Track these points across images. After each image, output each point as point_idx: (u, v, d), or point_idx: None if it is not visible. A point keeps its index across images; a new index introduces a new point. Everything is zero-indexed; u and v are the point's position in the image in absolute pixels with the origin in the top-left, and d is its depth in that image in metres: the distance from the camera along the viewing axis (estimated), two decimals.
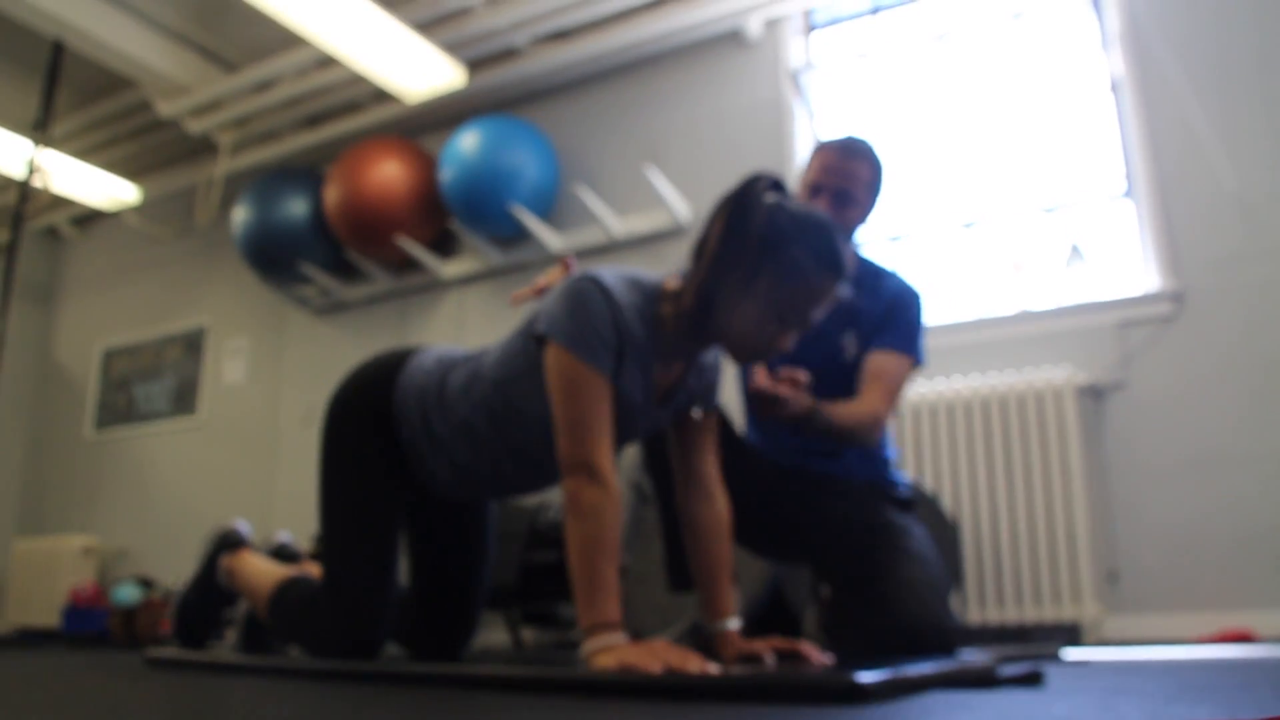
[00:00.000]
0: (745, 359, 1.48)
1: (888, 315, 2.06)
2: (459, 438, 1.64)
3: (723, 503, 1.63)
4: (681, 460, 1.64)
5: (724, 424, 1.96)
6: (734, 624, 1.56)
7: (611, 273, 1.48)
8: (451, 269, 4.57)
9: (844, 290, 1.46)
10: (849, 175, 2.04)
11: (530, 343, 1.52)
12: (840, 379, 2.03)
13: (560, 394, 1.41)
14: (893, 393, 2.01)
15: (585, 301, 1.42)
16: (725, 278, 1.40)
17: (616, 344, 1.42)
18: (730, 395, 2.37)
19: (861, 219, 2.10)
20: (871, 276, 2.12)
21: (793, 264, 1.38)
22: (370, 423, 1.73)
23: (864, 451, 2.09)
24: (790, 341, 1.46)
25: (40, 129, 4.28)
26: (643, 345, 1.47)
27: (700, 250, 1.44)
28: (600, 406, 1.39)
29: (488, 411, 1.60)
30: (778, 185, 1.45)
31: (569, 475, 1.38)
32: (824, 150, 2.08)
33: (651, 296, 1.49)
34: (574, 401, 1.39)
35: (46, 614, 5.05)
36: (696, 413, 1.61)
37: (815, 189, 2.06)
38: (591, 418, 1.38)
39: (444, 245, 4.60)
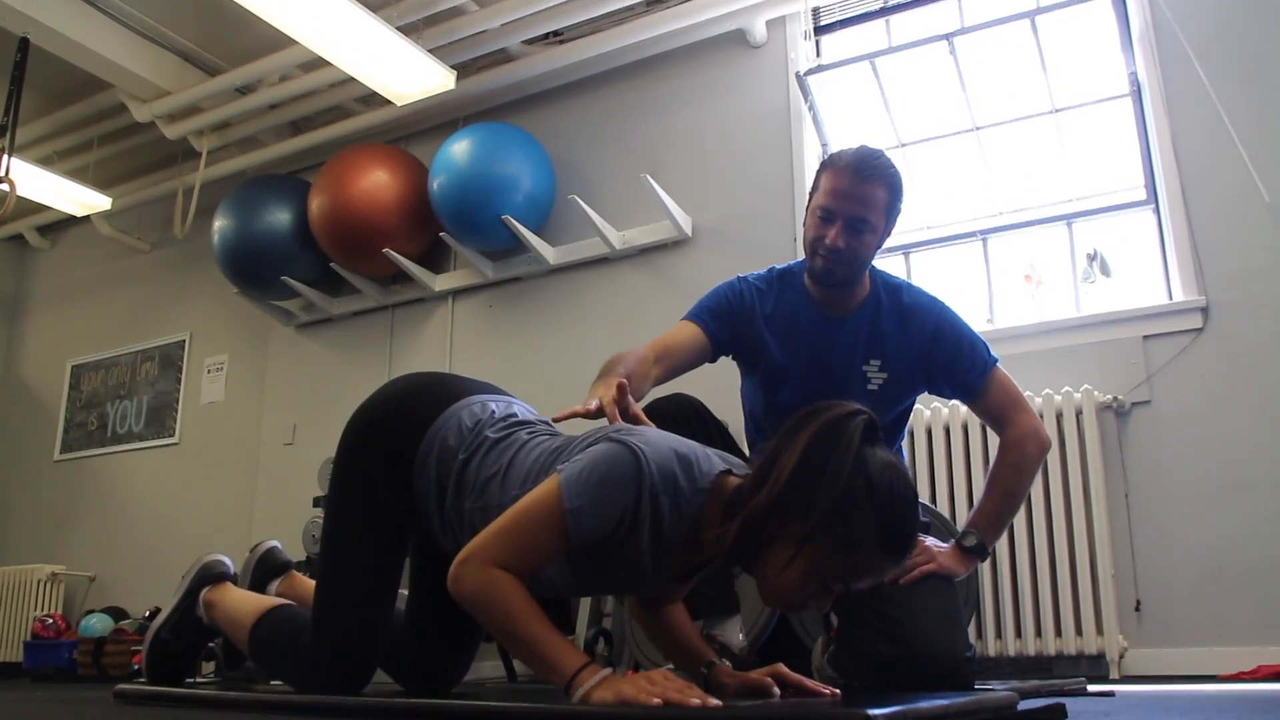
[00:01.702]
0: (772, 604, 1.41)
1: (954, 355, 2.06)
2: (464, 523, 1.61)
3: (676, 610, 1.65)
4: (650, 602, 1.64)
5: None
6: (717, 660, 1.57)
7: (663, 451, 1.39)
8: (442, 282, 4.57)
9: (903, 563, 1.41)
10: (863, 201, 1.98)
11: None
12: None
13: (523, 512, 1.37)
14: (1022, 401, 2.05)
15: (613, 478, 1.35)
16: (780, 525, 1.30)
17: (629, 528, 1.36)
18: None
19: (879, 244, 2.07)
20: (892, 297, 2.11)
21: (855, 540, 1.28)
22: (388, 456, 1.71)
23: None
24: (826, 605, 1.37)
25: (4, 132, 4.29)
26: (669, 537, 1.40)
27: (765, 474, 1.33)
28: (541, 553, 1.36)
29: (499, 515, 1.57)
30: (871, 428, 1.33)
31: (463, 565, 1.33)
32: (834, 170, 2.02)
33: (700, 489, 1.40)
34: (526, 527, 1.36)
35: (8, 648, 5.03)
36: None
37: (827, 215, 2.01)
38: (526, 549, 1.35)
39: (434, 258, 4.60)
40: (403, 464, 1.69)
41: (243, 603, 1.97)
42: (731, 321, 2.16)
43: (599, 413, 1.62)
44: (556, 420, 1.68)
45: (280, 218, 4.56)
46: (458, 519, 1.63)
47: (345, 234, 4.36)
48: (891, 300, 2.10)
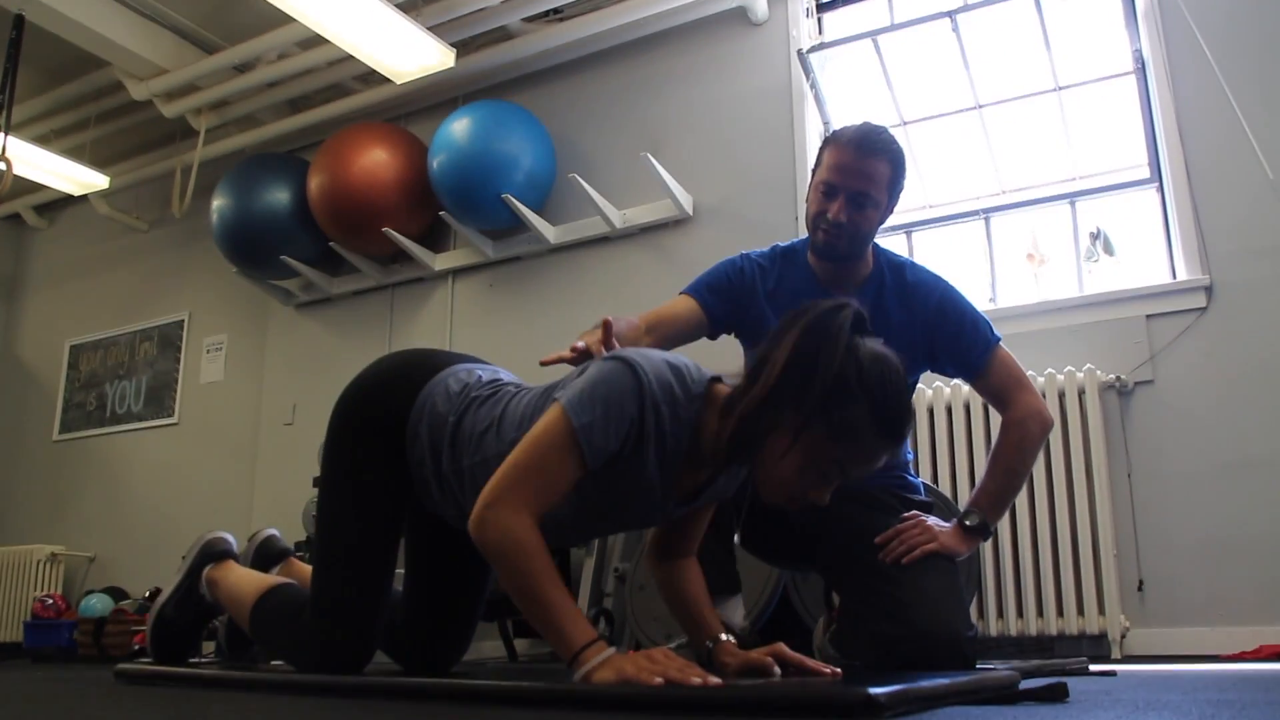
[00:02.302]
0: (772, 501, 1.42)
1: (956, 333, 2.05)
2: (464, 484, 1.62)
3: (691, 560, 1.67)
4: (668, 534, 1.65)
5: None
6: (726, 636, 1.57)
7: (655, 362, 1.42)
8: (442, 262, 4.57)
9: (899, 451, 1.42)
10: (866, 175, 1.99)
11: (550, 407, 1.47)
12: None
13: (532, 441, 1.37)
14: (1024, 380, 2.05)
15: (613, 390, 1.38)
16: (776, 415, 1.33)
17: (633, 443, 1.39)
18: None
19: (882, 219, 2.07)
20: (895, 275, 2.11)
21: (850, 425, 1.31)
22: (380, 433, 1.72)
23: (886, 467, 2.09)
24: (826, 496, 1.40)
25: (0, 110, 4.27)
26: (672, 449, 1.43)
27: (758, 372, 1.37)
28: (559, 483, 1.36)
29: (498, 465, 1.56)
30: (860, 320, 1.37)
31: (488, 509, 1.34)
32: (837, 145, 2.02)
33: (695, 395, 1.43)
34: (538, 456, 1.36)
35: (9, 628, 5.04)
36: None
37: (829, 190, 2.01)
38: (544, 481, 1.35)
39: (434, 237, 4.60)
40: (393, 438, 1.70)
41: (245, 581, 1.98)
42: (732, 297, 2.16)
43: (585, 354, 1.64)
44: (544, 364, 1.72)
45: (279, 197, 4.55)
46: (457, 480, 1.63)
47: (345, 213, 4.35)
48: (895, 278, 2.10)
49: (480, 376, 1.74)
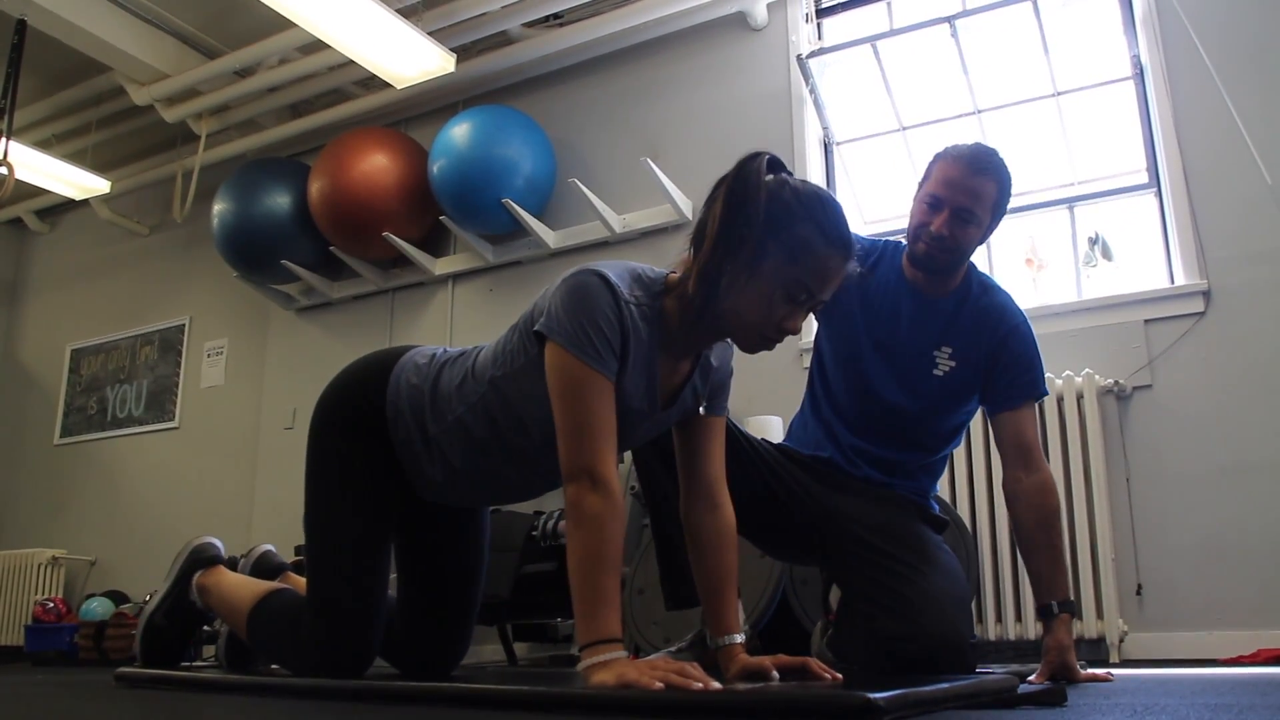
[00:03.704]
0: (754, 345, 1.49)
1: (1011, 364, 2.04)
2: (454, 439, 1.64)
3: (729, 511, 1.63)
4: (687, 466, 1.63)
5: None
6: (739, 638, 1.56)
7: (613, 266, 1.48)
8: (442, 266, 4.57)
9: (853, 267, 1.48)
10: (973, 193, 2.00)
11: (528, 339, 1.52)
12: (926, 396, 2.06)
13: (561, 397, 1.40)
14: (1040, 447, 2.04)
15: (588, 297, 1.42)
16: (729, 261, 1.41)
17: (620, 342, 1.42)
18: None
19: (981, 239, 2.08)
20: (980, 293, 2.11)
21: (800, 242, 1.40)
22: (360, 426, 1.72)
23: (914, 482, 2.10)
24: (799, 323, 1.46)
25: (2, 115, 4.27)
26: (647, 343, 1.47)
27: (700, 235, 1.45)
28: (603, 410, 1.39)
29: (484, 411, 1.60)
30: (776, 163, 1.47)
31: (571, 482, 1.37)
32: (948, 161, 2.04)
33: (655, 290, 1.49)
34: (576, 405, 1.39)
35: (10, 631, 5.03)
36: (703, 408, 1.61)
37: (935, 203, 2.02)
38: (594, 421, 1.38)
39: (435, 241, 4.60)
40: (375, 428, 1.70)
41: (239, 587, 1.97)
42: None
43: None
44: None
45: (280, 201, 4.56)
46: (447, 439, 1.65)
47: (345, 217, 4.36)
48: (979, 296, 2.11)
49: (446, 350, 1.78)
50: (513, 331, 1.59)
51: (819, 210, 1.42)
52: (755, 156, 1.46)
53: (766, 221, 1.40)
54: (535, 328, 1.46)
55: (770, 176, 1.45)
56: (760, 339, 1.47)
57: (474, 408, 1.60)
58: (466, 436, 1.63)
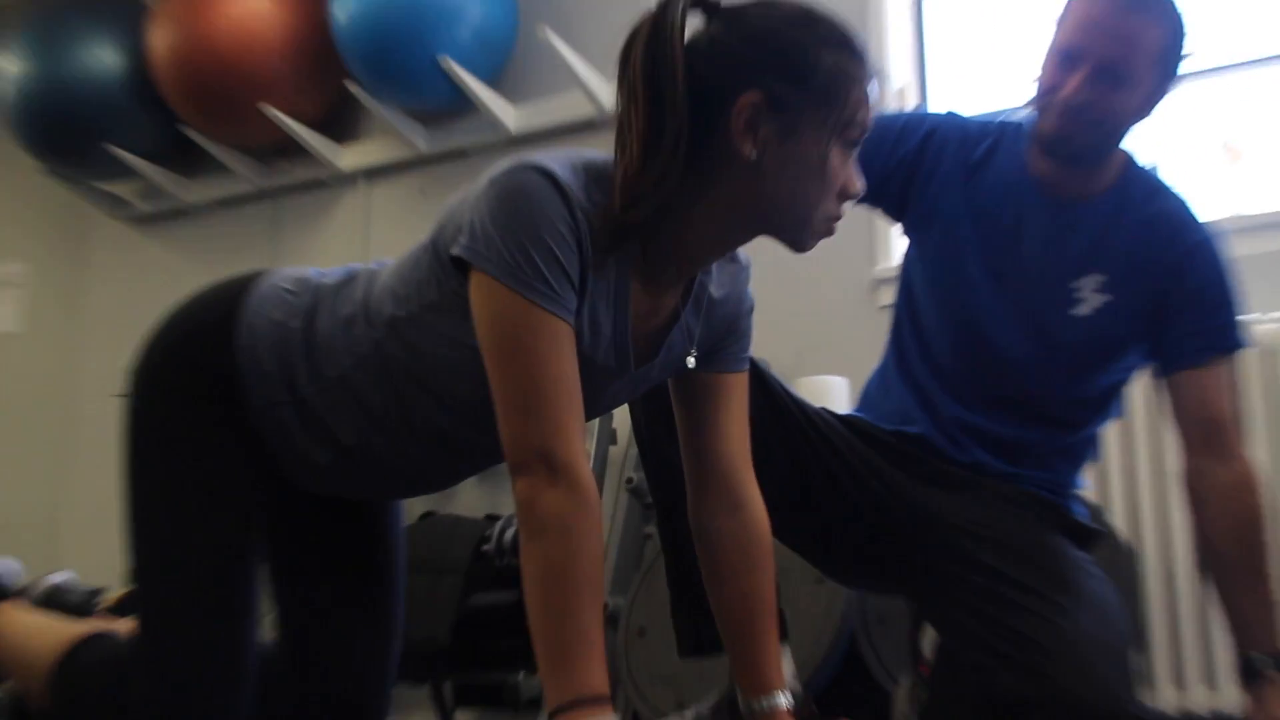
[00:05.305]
0: (816, 234, 1.54)
1: (1191, 299, 2.06)
2: (339, 401, 1.63)
3: (757, 512, 1.69)
4: (691, 447, 1.69)
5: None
6: (785, 700, 1.62)
7: (558, 158, 1.48)
8: (351, 157, 4.58)
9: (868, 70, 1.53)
10: (1126, 39, 1.98)
11: (442, 267, 1.51)
12: (1065, 348, 2.10)
13: (499, 351, 1.42)
14: (1239, 425, 2.07)
15: (529, 205, 1.41)
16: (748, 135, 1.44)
17: (580, 269, 1.44)
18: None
19: (1139, 111, 2.06)
20: (1145, 198, 2.12)
21: (812, 66, 1.44)
22: (200, 390, 1.70)
23: (1048, 472, 2.16)
24: (858, 177, 1.52)
25: None
26: (615, 268, 1.50)
27: (623, 141, 1.46)
28: (560, 367, 1.41)
29: (380, 362, 1.59)
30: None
31: (520, 474, 1.39)
32: None
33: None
34: (520, 363, 1.40)
35: None
36: (692, 359, 1.64)
37: (1070, 56, 2.01)
38: (548, 385, 1.40)
39: (340, 121, 4.62)
40: (219, 391, 1.67)
41: (38, 632, 1.97)
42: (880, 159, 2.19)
43: None
44: None
45: (105, 58, 4.52)
46: (326, 401, 1.63)
47: (204, 83, 4.33)
48: (1143, 201, 2.12)
49: (319, 270, 1.76)
50: (421, 251, 1.58)
51: (802, 28, 1.47)
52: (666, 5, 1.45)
53: (779, 65, 1.44)
54: (454, 251, 1.46)
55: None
56: (824, 222, 1.52)
57: (366, 358, 1.59)
58: (358, 397, 1.63)
